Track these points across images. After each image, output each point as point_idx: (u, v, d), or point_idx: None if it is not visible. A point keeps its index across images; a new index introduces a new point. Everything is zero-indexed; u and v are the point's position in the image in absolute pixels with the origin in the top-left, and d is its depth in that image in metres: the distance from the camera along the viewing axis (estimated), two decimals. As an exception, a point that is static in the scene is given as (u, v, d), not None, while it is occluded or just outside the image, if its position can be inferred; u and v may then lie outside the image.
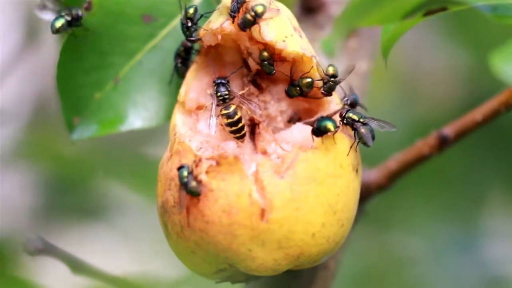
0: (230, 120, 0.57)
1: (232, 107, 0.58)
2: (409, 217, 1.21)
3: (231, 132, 0.57)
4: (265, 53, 0.58)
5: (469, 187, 1.21)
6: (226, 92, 0.58)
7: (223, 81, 0.58)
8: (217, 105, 0.58)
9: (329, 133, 0.56)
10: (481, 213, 1.22)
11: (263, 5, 0.57)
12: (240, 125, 0.57)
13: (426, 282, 1.18)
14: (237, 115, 0.57)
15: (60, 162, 1.08)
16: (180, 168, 0.56)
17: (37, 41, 1.11)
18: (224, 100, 0.58)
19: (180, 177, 0.56)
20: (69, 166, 1.08)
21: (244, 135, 0.57)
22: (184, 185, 0.55)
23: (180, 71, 0.61)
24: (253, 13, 0.57)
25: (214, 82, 0.58)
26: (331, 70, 0.58)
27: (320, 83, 0.58)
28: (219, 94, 0.58)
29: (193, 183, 0.55)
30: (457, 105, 1.21)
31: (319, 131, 0.56)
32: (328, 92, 0.58)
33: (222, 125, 0.57)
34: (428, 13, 0.53)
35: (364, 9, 0.50)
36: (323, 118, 0.56)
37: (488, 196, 1.22)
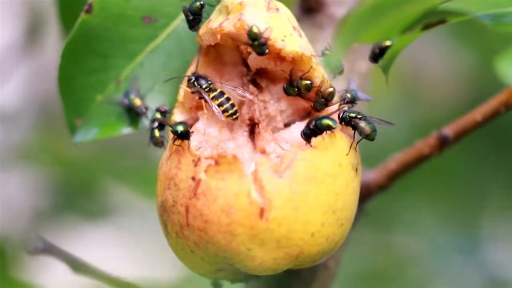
0: (220, 100, 0.58)
1: (218, 90, 0.58)
2: (410, 218, 1.21)
3: (223, 111, 0.58)
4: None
5: (470, 188, 1.21)
6: (210, 82, 0.59)
7: (198, 75, 0.59)
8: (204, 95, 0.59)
9: (329, 132, 0.56)
10: (483, 214, 1.22)
11: (255, 27, 0.57)
12: (229, 102, 0.58)
13: (427, 283, 1.18)
14: (224, 95, 0.58)
15: (64, 164, 1.08)
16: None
17: (40, 41, 1.11)
18: (210, 89, 0.58)
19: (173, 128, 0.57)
20: (73, 167, 1.09)
21: (236, 112, 0.58)
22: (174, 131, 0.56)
23: (155, 136, 0.61)
24: (260, 39, 0.58)
25: (190, 80, 0.59)
26: (328, 91, 0.58)
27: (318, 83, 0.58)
28: (204, 86, 0.58)
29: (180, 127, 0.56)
30: (457, 105, 1.21)
31: (318, 130, 0.56)
32: (316, 109, 0.58)
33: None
34: (427, 27, 0.53)
35: (362, 25, 0.49)
36: (322, 117, 0.56)
37: (490, 197, 1.22)
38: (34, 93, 1.23)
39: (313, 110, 0.59)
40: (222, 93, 0.58)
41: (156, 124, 0.60)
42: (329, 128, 0.56)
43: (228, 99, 0.58)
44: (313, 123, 0.56)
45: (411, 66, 1.28)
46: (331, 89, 0.58)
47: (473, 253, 1.18)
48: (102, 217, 1.18)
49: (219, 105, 0.58)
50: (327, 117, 0.56)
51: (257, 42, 0.57)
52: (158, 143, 0.60)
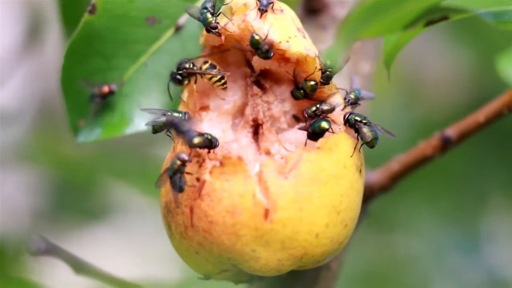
0: (213, 74, 0.58)
1: (209, 62, 0.58)
2: (412, 218, 1.21)
3: (215, 82, 0.58)
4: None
5: (472, 189, 1.21)
6: (189, 64, 0.59)
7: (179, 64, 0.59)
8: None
9: (327, 133, 0.56)
10: (484, 215, 1.22)
11: (256, 35, 0.57)
12: (220, 75, 0.58)
13: (429, 283, 1.18)
14: (208, 62, 0.58)
15: (64, 164, 1.08)
16: (179, 155, 0.55)
17: (40, 41, 1.11)
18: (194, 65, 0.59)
19: (171, 165, 0.55)
20: (73, 167, 1.08)
21: (225, 82, 0.58)
22: (171, 176, 0.55)
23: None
24: (263, 46, 0.57)
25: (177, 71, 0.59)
26: (328, 62, 0.58)
27: (319, 74, 0.58)
28: (187, 66, 0.58)
29: (180, 179, 0.55)
30: (459, 106, 1.21)
31: (315, 133, 0.56)
32: (326, 81, 0.58)
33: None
34: (429, 23, 0.53)
35: (365, 20, 0.50)
36: (317, 120, 0.56)
37: (491, 198, 1.22)
38: (34, 93, 1.23)
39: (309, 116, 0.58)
40: (213, 65, 0.58)
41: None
42: (325, 130, 0.56)
43: (213, 66, 0.58)
44: (310, 127, 0.56)
45: (413, 67, 1.28)
46: (330, 107, 0.58)
47: (474, 253, 1.18)
48: (102, 217, 1.18)
49: (210, 76, 0.58)
50: (322, 119, 0.56)
51: (260, 51, 0.57)
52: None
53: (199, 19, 0.59)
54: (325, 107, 0.58)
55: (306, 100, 0.59)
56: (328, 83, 0.58)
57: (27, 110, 1.21)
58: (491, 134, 1.13)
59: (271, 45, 0.57)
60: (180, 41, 0.63)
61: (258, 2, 0.58)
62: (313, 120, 0.57)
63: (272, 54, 0.57)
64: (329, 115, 0.58)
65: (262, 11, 0.58)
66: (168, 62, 0.63)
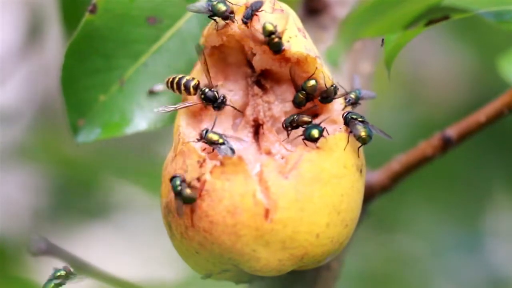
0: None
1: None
2: (413, 218, 1.21)
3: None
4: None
5: (472, 188, 1.22)
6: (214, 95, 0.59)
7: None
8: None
9: (320, 139, 0.56)
10: (485, 214, 1.22)
11: (268, 23, 0.57)
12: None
13: (430, 283, 1.18)
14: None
15: (65, 163, 1.08)
16: (172, 178, 0.56)
17: (41, 41, 1.11)
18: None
19: (174, 187, 0.56)
20: (74, 166, 1.08)
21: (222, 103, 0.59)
22: (178, 194, 0.56)
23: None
24: (276, 32, 0.57)
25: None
26: (330, 89, 0.58)
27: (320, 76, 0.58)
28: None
29: (187, 190, 0.55)
30: (460, 106, 1.21)
31: (310, 140, 0.56)
32: (324, 103, 0.58)
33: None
34: (430, 22, 0.53)
35: (366, 19, 0.50)
36: (309, 127, 0.56)
37: (492, 196, 1.22)
38: (34, 92, 1.23)
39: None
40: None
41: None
42: (315, 140, 0.56)
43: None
44: (305, 135, 0.56)
45: (413, 67, 1.28)
46: (308, 118, 0.58)
47: (475, 253, 1.18)
48: (102, 216, 1.18)
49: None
50: (314, 126, 0.56)
51: (274, 35, 0.57)
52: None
53: (209, 11, 0.58)
54: (302, 118, 0.58)
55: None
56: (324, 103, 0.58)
57: (28, 110, 1.21)
58: (491, 132, 1.13)
59: (282, 36, 0.57)
60: (181, 41, 0.63)
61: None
62: (307, 127, 0.57)
63: (283, 47, 0.57)
64: (329, 115, 0.58)
65: (248, 18, 0.57)
66: (169, 62, 0.63)
